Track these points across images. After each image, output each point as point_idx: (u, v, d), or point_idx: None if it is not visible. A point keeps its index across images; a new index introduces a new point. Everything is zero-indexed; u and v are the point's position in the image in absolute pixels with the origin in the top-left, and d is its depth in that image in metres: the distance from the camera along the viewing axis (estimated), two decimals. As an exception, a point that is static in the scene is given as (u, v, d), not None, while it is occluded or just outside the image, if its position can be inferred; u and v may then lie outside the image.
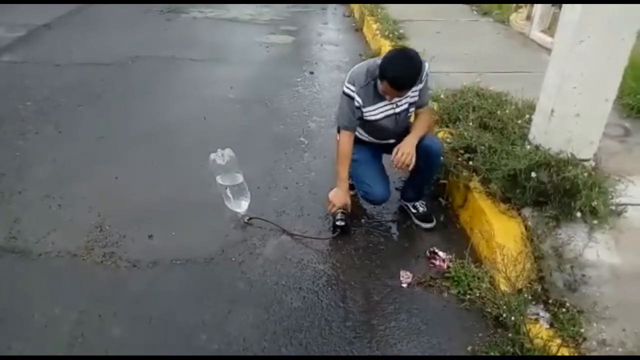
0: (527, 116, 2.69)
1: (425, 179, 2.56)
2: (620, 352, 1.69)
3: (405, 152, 2.25)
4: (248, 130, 3.55)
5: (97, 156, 3.14)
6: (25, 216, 2.54)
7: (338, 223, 2.42)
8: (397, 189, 2.75)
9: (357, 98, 2.26)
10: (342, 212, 2.42)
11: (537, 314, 1.88)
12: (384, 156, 2.56)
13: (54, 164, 3.04)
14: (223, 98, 4.08)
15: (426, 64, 2.28)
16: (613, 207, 2.21)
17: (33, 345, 1.85)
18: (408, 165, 2.27)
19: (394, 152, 2.28)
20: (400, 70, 2.12)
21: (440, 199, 2.71)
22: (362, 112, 2.30)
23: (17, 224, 2.47)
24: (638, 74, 3.26)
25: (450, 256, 2.27)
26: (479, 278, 2.08)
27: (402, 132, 2.38)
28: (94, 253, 2.30)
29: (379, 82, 2.20)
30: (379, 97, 2.27)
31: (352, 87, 2.26)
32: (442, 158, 2.49)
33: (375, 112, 2.31)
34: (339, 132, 2.45)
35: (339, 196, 2.40)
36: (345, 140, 2.37)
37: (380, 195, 2.44)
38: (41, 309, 1.99)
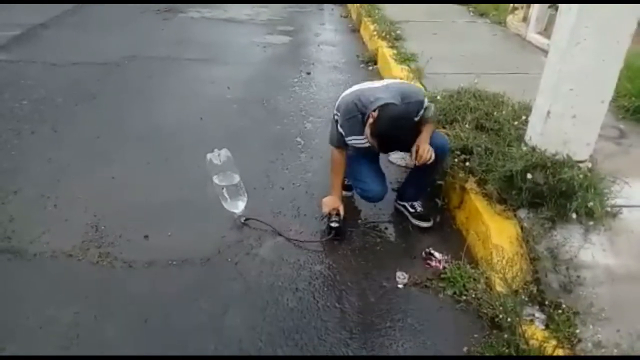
0: (524, 117, 2.70)
1: (430, 177, 2.57)
2: (615, 353, 1.69)
3: (426, 148, 2.27)
4: (245, 131, 3.54)
5: (93, 156, 3.13)
6: (20, 216, 2.53)
7: (332, 225, 2.43)
8: (393, 189, 2.75)
9: (340, 129, 2.32)
10: (336, 214, 2.44)
11: (533, 315, 1.89)
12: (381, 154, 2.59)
13: (50, 163, 3.03)
14: (220, 98, 4.07)
15: (424, 103, 2.33)
16: (608, 209, 2.22)
17: (27, 346, 1.83)
18: (427, 160, 2.29)
19: (413, 150, 2.29)
20: (392, 143, 2.24)
21: (437, 200, 2.71)
22: (345, 140, 2.34)
23: (12, 224, 2.46)
24: (633, 75, 3.28)
25: (446, 257, 2.28)
26: (474, 279, 2.09)
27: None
28: (90, 253, 2.29)
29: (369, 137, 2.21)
30: (363, 129, 2.25)
31: (338, 116, 2.33)
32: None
33: (359, 141, 2.32)
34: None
35: (331, 200, 2.49)
36: (337, 155, 2.45)
37: (377, 193, 2.45)
38: (36, 310, 1.98)
